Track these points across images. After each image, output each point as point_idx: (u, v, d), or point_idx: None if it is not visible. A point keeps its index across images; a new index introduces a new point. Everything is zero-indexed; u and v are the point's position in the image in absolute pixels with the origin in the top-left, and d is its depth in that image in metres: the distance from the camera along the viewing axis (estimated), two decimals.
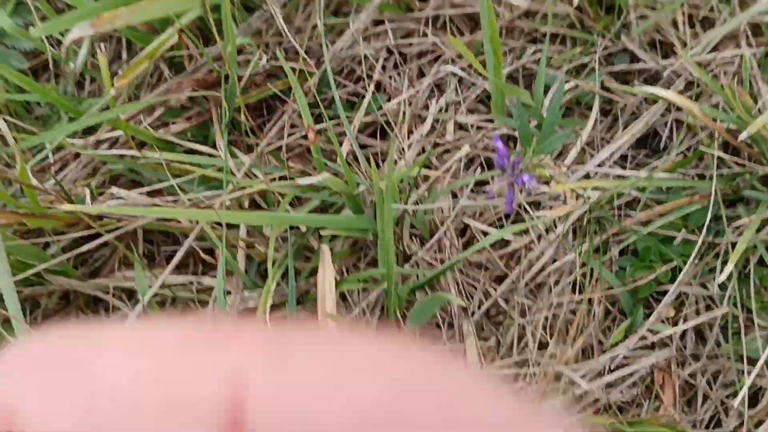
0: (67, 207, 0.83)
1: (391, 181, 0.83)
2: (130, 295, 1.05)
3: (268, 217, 0.90)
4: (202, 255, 1.00)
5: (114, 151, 1.01)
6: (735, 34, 0.97)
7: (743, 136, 0.76)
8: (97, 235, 0.95)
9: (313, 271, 0.99)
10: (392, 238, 0.87)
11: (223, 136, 1.01)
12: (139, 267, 0.93)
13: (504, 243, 1.01)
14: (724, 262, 0.90)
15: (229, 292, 0.99)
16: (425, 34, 1.11)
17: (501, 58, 0.89)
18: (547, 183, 0.94)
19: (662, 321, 0.90)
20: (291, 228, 1.00)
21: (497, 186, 0.69)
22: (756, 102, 0.91)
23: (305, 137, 1.10)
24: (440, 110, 1.07)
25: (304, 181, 0.92)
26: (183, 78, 1.07)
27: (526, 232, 0.99)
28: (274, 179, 1.04)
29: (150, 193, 1.04)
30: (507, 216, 1.01)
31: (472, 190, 1.03)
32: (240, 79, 1.07)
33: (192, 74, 1.08)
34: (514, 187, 0.68)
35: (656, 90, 0.79)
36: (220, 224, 0.97)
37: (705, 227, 0.86)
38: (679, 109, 0.98)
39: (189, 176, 1.02)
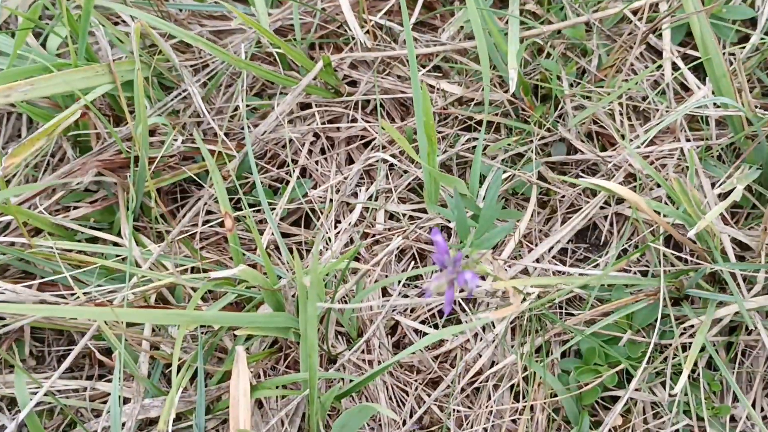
0: None
1: (316, 275, 0.75)
2: (13, 403, 0.92)
3: (174, 315, 0.79)
4: (99, 356, 0.87)
5: (2, 239, 0.89)
6: (671, 127, 0.95)
7: (692, 232, 0.72)
8: None
9: (226, 375, 0.88)
10: (316, 339, 0.77)
11: (128, 223, 0.91)
12: (20, 373, 0.80)
13: (438, 341, 0.93)
14: (674, 365, 0.84)
15: (127, 400, 0.87)
16: (354, 119, 1.05)
17: (435, 146, 0.83)
18: (483, 278, 0.87)
19: (610, 431, 0.83)
20: (202, 326, 0.89)
21: (435, 284, 0.62)
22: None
23: (222, 225, 1.01)
24: (370, 198, 1.00)
25: (218, 274, 0.82)
26: (88, 158, 0.97)
27: (462, 330, 0.91)
28: (185, 271, 0.94)
29: (43, 286, 0.92)
30: (440, 311, 0.94)
31: (404, 285, 0.96)
32: (152, 161, 0.98)
33: (98, 154, 0.98)
34: (454, 286, 0.61)
35: (601, 182, 0.75)
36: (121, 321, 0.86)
37: (655, 330, 0.80)
38: (619, 202, 0.94)
39: (89, 267, 0.91)
